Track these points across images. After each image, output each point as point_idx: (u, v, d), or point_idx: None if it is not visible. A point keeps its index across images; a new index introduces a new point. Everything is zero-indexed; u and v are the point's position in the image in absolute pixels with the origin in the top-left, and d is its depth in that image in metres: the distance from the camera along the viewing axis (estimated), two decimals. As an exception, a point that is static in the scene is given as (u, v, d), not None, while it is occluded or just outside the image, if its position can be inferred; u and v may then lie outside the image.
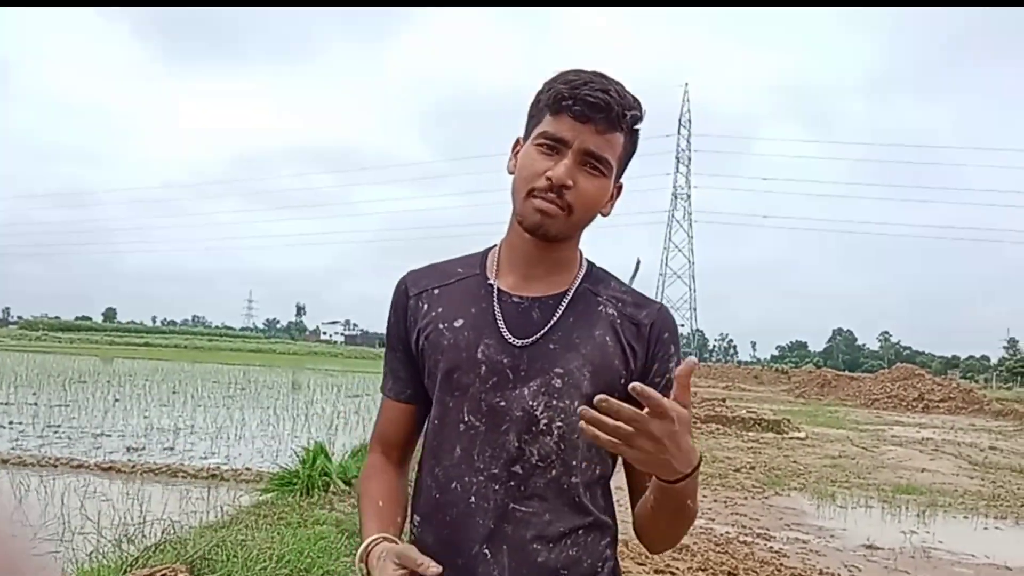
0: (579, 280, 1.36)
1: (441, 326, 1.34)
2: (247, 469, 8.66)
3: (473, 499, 1.29)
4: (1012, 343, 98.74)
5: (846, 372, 53.07)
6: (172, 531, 4.95)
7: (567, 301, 1.33)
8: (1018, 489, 10.76)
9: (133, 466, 8.59)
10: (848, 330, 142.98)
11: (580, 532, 1.31)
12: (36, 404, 14.44)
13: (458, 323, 1.33)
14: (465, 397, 1.30)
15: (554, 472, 1.29)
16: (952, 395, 31.22)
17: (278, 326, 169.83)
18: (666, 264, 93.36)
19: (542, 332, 1.30)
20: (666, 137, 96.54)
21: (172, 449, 10.16)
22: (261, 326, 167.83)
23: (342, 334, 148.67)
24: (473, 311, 1.34)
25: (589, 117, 1.24)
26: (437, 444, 1.34)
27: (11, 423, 11.88)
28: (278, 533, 5.00)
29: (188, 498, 7.03)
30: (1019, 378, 65.93)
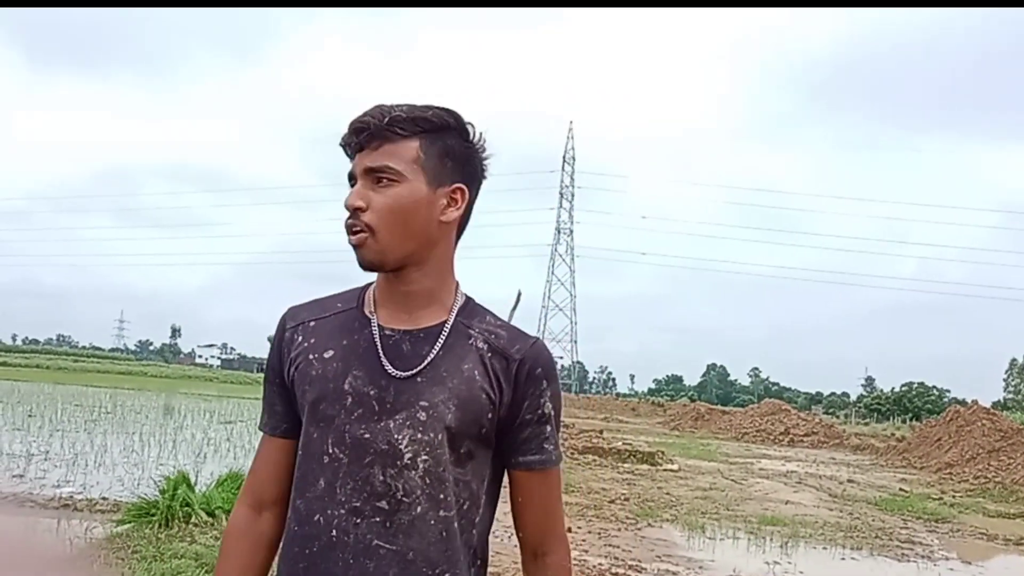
0: (454, 313, 1.35)
1: (311, 357, 1.33)
2: (104, 499, 8.15)
3: (335, 533, 1.26)
4: (869, 381, 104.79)
5: (719, 406, 54.66)
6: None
7: (445, 335, 1.32)
8: (873, 520, 11.31)
9: (-26, 495, 7.97)
10: (721, 365, 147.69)
11: (447, 573, 1.28)
12: None
13: (328, 354, 1.32)
14: (330, 428, 1.28)
15: (420, 508, 1.26)
16: (815, 430, 32.74)
17: (151, 348, 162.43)
18: (548, 297, 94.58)
19: (420, 366, 1.29)
20: (550, 172, 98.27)
21: (22, 477, 9.49)
22: (133, 348, 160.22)
23: (218, 358, 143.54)
24: (344, 343, 1.33)
25: (358, 142, 1.29)
26: (301, 476, 1.32)
27: None
28: (130, 568, 4.73)
29: (34, 530, 6.56)
30: (875, 414, 69.62)
